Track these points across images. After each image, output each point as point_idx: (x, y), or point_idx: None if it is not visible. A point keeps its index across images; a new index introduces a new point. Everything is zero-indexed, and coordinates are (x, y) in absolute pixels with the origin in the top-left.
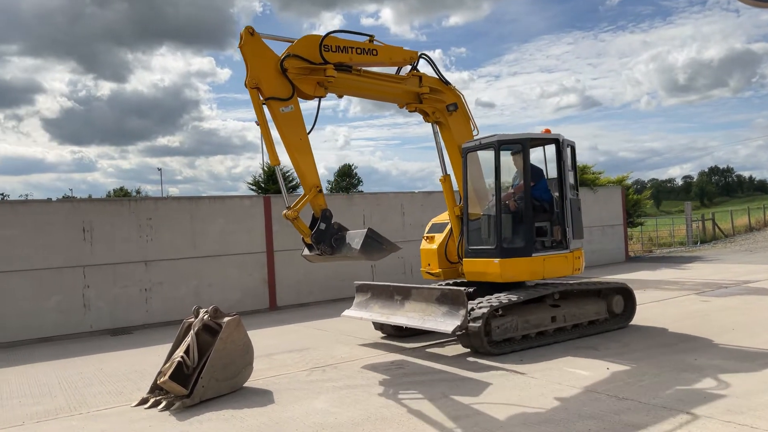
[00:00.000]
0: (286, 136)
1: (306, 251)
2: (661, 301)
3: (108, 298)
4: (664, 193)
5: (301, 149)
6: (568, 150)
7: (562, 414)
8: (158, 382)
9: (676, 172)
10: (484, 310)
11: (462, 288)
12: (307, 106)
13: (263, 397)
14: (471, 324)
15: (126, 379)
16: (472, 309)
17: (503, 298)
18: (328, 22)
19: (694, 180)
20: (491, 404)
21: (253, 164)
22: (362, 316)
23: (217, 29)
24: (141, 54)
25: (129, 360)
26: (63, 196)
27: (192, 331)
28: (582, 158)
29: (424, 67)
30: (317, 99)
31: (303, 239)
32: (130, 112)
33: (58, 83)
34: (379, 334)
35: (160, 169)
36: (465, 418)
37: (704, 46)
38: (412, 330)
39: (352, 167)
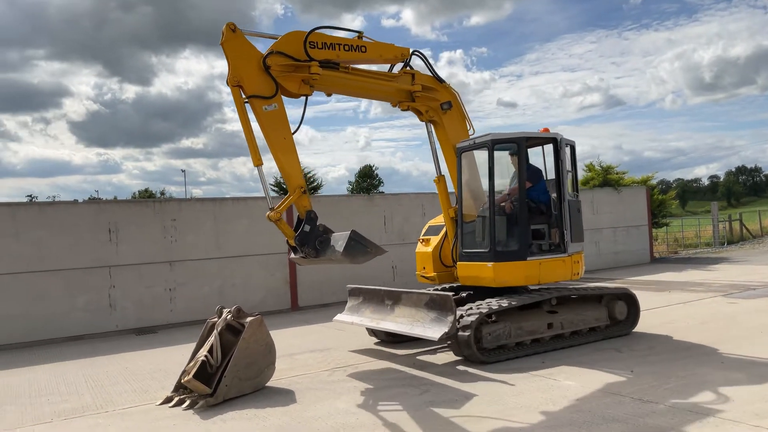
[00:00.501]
0: (270, 135)
1: (293, 254)
2: (687, 303)
3: (133, 297)
4: (689, 194)
5: (285, 149)
6: (568, 149)
7: (586, 416)
8: (182, 380)
9: (702, 172)
10: (474, 318)
11: (450, 293)
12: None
13: (285, 396)
14: (460, 332)
15: (151, 377)
16: (462, 316)
17: (494, 303)
18: (349, 23)
19: (721, 180)
20: (513, 409)
21: (275, 166)
22: (353, 321)
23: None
24: (165, 57)
25: (153, 359)
26: (89, 198)
27: (215, 331)
28: (606, 158)
29: (419, 68)
30: (304, 97)
31: (287, 242)
32: (154, 115)
33: (85, 87)
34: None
35: (183, 171)
36: (485, 422)
37: (731, 44)
38: (404, 336)
39: (373, 168)
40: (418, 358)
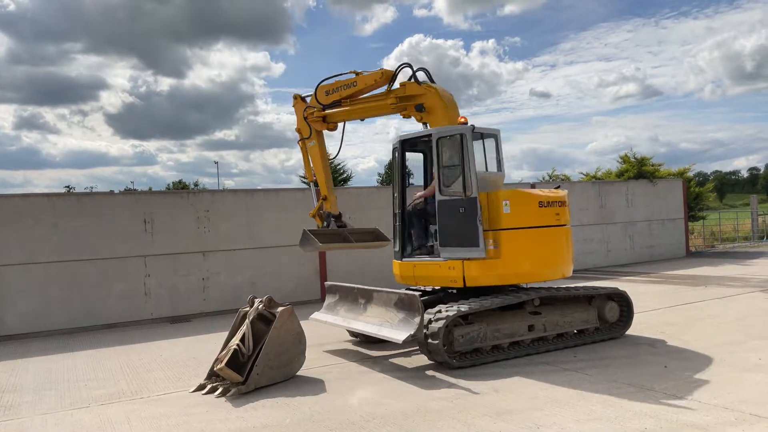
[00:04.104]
0: (313, 161)
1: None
2: (724, 298)
3: (168, 286)
4: (728, 186)
5: (320, 171)
6: (459, 141)
7: (618, 412)
8: (215, 368)
9: (741, 164)
10: (441, 323)
11: (418, 293)
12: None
13: (315, 385)
14: (430, 340)
15: (184, 365)
16: (430, 321)
17: (465, 306)
18: (381, 14)
19: (761, 172)
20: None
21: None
22: (327, 320)
23: (271, 24)
24: (198, 49)
25: (187, 347)
26: (125, 189)
27: (247, 320)
28: (642, 149)
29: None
30: (335, 129)
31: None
32: (188, 107)
33: (120, 79)
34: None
35: (216, 163)
36: (505, 417)
37: None
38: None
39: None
40: (391, 360)
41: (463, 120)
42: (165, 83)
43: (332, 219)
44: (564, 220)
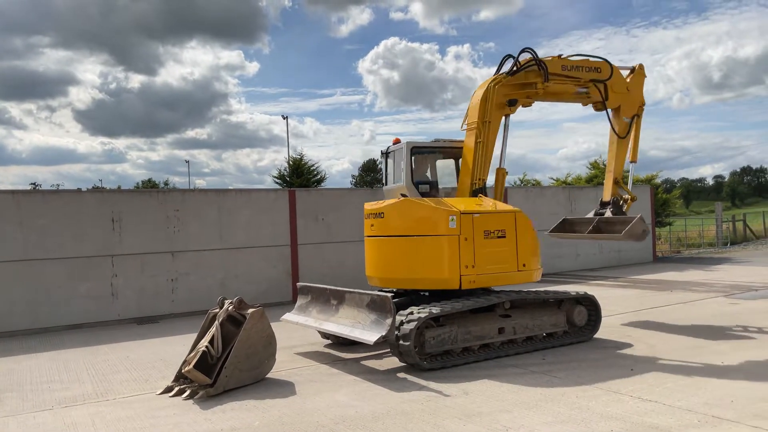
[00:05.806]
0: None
1: None
2: (688, 302)
3: (135, 287)
4: (694, 193)
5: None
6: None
7: (585, 414)
8: (183, 371)
9: (707, 172)
10: (413, 325)
11: (390, 294)
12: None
13: (285, 388)
14: (401, 342)
15: (151, 367)
16: (402, 322)
17: (436, 308)
18: (357, 16)
19: (726, 180)
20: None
21: (278, 158)
22: (299, 321)
23: (246, 23)
24: (171, 47)
25: (155, 348)
26: (93, 187)
27: (217, 322)
28: None
29: None
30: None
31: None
32: (159, 105)
33: (90, 75)
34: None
35: (187, 162)
36: (473, 419)
37: (740, 43)
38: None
39: (377, 162)
40: (362, 363)
41: (395, 141)
42: (136, 80)
43: (601, 206)
44: (381, 232)
